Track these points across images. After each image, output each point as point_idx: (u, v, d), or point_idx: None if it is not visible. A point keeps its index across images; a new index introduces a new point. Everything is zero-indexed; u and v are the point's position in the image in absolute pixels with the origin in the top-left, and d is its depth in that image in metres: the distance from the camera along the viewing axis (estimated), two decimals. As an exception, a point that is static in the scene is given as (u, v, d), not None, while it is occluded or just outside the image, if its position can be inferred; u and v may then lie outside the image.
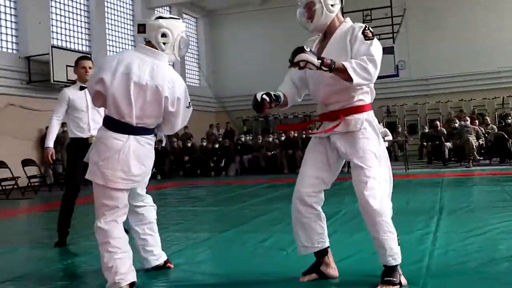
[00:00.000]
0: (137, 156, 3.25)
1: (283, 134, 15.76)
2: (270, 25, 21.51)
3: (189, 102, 3.41)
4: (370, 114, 3.17)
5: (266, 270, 3.71)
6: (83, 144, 4.75)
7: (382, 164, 3.12)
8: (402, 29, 18.20)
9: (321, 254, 3.37)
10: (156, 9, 20.21)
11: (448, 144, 13.91)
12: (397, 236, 3.12)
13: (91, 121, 4.98)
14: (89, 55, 15.24)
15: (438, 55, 19.47)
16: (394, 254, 3.09)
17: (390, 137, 14.12)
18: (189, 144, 16.00)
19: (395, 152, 16.42)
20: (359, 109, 3.13)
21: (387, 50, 16.88)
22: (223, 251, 4.55)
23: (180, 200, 8.89)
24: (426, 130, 16.78)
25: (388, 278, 3.09)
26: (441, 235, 4.62)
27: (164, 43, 3.32)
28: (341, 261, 3.64)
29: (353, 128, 3.10)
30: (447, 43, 19.45)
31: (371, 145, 3.10)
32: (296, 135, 15.60)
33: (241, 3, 21.34)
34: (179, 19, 3.48)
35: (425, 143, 15.36)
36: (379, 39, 3.14)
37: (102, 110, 4.12)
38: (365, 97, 3.16)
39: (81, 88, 5.04)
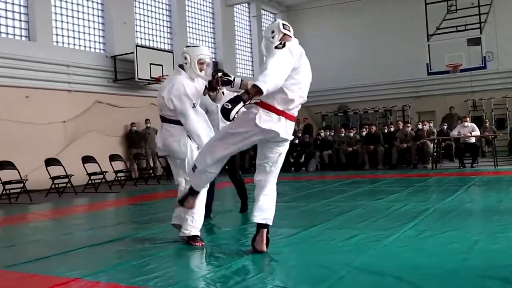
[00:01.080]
0: (159, 136, 4.74)
1: (364, 129, 15.47)
2: (348, 19, 21.22)
3: (194, 103, 4.43)
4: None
5: (356, 266, 3.62)
6: None
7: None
8: (489, 18, 17.35)
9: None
10: (235, 6, 20.42)
11: (542, 139, 13.14)
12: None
13: None
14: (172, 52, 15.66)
15: (530, 45, 18.39)
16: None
17: (477, 132, 13.48)
18: (269, 140, 16.05)
19: (482, 148, 15.69)
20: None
21: (474, 41, 16.21)
22: (309, 247, 4.48)
23: (261, 195, 8.88)
24: (516, 125, 15.94)
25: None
26: (542, 236, 4.36)
27: (185, 63, 4.57)
28: (430, 257, 3.55)
29: None
30: (540, 32, 18.33)
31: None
32: (377, 130, 15.28)
33: (320, -3, 21.17)
34: (198, 46, 4.77)
35: (515, 139, 14.60)
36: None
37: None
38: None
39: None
